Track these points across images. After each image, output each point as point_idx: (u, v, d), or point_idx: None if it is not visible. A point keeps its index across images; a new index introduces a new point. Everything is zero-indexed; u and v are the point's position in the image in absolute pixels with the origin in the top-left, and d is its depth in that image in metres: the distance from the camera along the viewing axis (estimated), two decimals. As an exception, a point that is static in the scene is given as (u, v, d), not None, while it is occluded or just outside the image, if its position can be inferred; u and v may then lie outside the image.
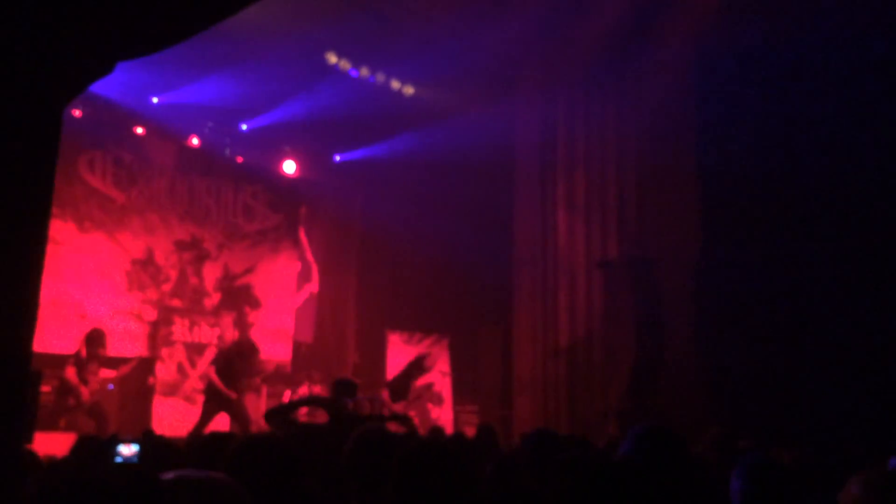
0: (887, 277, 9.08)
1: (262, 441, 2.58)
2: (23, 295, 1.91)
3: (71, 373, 8.81)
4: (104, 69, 2.38)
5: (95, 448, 4.13)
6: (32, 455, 3.82)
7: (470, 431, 10.17)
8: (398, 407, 9.21)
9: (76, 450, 4.32)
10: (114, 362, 9.56)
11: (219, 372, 9.14)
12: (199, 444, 3.22)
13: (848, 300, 9.26)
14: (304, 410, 10.49)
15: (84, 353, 9.01)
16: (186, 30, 2.54)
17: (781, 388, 9.25)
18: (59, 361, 8.99)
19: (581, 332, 11.31)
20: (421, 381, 12.30)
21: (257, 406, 11.48)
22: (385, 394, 9.20)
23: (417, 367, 9.33)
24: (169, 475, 1.55)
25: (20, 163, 1.98)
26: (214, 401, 9.14)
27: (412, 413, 10.06)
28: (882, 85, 9.07)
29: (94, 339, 9.09)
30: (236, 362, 9.29)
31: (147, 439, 4.38)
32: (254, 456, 2.40)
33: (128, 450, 3.84)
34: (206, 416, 9.09)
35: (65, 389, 8.77)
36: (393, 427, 8.57)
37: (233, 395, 9.07)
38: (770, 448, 5.41)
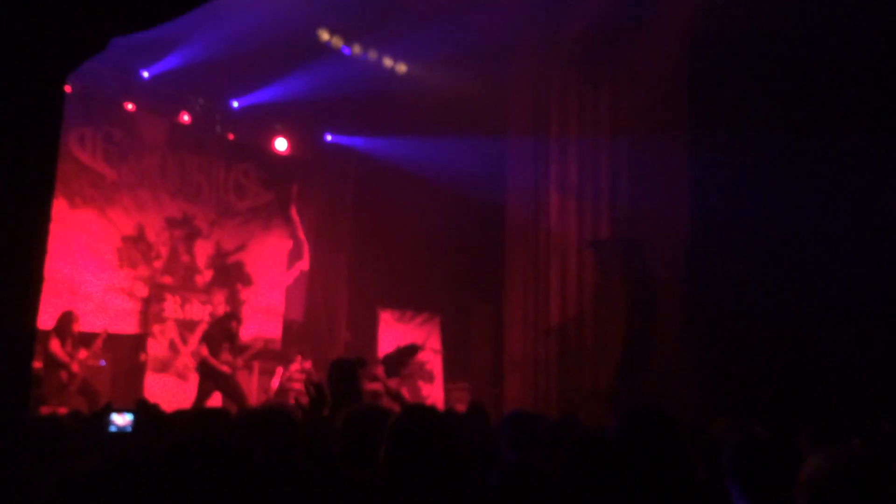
0: (880, 259, 9.14)
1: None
2: (27, 270, 1.92)
3: (55, 345, 8.75)
4: (98, 46, 2.37)
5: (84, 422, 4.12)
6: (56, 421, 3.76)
7: (461, 409, 10.24)
8: (392, 383, 9.30)
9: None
10: (86, 338, 9.38)
11: (210, 349, 9.19)
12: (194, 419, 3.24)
13: (841, 281, 9.32)
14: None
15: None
16: (179, 7, 2.53)
17: (771, 368, 9.33)
18: (48, 338, 8.96)
19: (572, 312, 11.35)
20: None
21: (249, 383, 11.52)
22: (380, 370, 9.26)
23: (410, 353, 9.40)
24: None
25: (22, 141, 1.98)
26: (211, 380, 9.17)
27: (404, 390, 10.10)
28: (876, 71, 9.08)
29: (65, 321, 8.99)
30: (222, 338, 9.36)
31: (141, 409, 4.39)
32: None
33: (122, 419, 3.84)
34: (203, 395, 9.14)
35: (52, 363, 8.73)
36: (386, 403, 8.63)
37: (226, 370, 9.13)
38: (752, 426, 5.48)
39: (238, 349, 9.59)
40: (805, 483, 2.38)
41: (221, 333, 9.43)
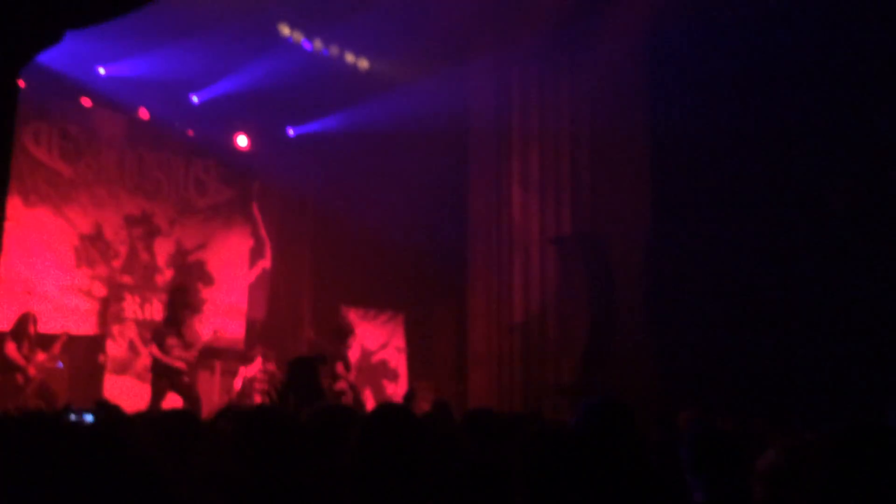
0: (837, 246, 9.31)
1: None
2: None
3: (11, 348, 8.60)
4: (52, 38, 2.32)
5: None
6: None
7: (425, 406, 10.26)
8: (351, 378, 9.36)
9: None
10: (45, 340, 9.24)
11: (166, 324, 9.20)
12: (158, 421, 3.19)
13: (797, 274, 9.48)
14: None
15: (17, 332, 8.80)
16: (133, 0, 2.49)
17: (730, 361, 9.47)
18: (3, 340, 8.80)
19: (535, 308, 11.43)
20: (376, 358, 12.39)
21: (211, 383, 11.40)
22: (340, 366, 9.26)
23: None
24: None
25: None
26: (164, 378, 9.04)
27: (366, 389, 10.10)
28: (837, 50, 9.18)
29: (23, 322, 8.88)
30: (175, 311, 9.38)
31: (101, 410, 4.29)
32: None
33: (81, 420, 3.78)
34: (158, 395, 8.99)
35: (8, 367, 8.57)
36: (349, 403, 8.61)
37: (179, 365, 8.99)
38: (715, 418, 5.57)
39: (187, 339, 9.43)
40: (760, 475, 2.43)
41: (169, 320, 9.37)
